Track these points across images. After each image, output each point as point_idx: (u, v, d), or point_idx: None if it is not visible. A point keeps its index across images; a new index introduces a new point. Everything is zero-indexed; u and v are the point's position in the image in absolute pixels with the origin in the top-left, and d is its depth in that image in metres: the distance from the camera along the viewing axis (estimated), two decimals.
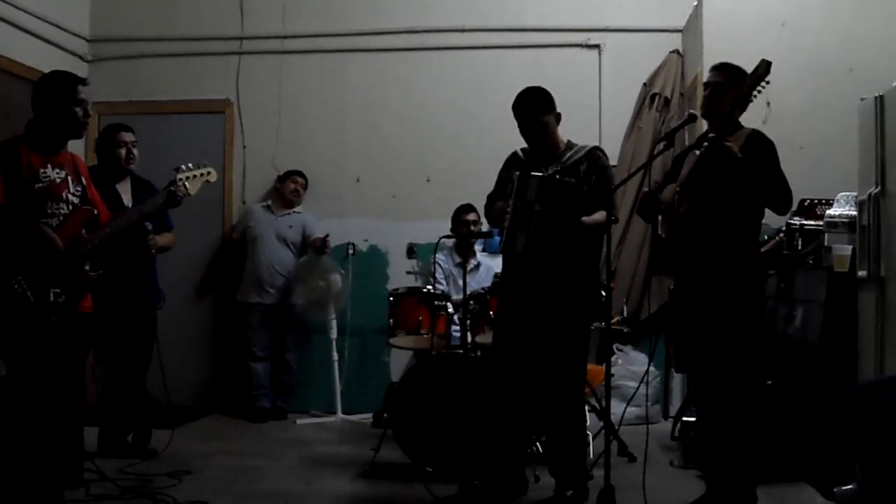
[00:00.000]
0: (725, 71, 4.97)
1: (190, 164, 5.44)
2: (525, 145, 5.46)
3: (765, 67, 4.67)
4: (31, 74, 7.26)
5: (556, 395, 5.27)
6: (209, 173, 5.52)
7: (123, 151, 6.38)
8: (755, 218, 4.93)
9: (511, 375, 5.29)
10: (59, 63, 7.62)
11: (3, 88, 7.26)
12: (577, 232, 5.08)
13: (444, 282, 7.46)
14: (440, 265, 7.49)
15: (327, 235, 8.06)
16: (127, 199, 6.31)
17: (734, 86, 4.85)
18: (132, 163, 6.44)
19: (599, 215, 5.09)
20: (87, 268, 4.78)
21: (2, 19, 7.35)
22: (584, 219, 5.08)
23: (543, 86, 5.39)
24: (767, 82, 4.72)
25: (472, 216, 7.44)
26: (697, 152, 4.89)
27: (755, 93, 4.79)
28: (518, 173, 5.17)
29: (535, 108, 5.29)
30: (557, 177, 5.08)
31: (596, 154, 5.33)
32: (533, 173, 5.08)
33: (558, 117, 5.37)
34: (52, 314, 4.61)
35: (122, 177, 6.42)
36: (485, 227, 7.28)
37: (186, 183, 5.38)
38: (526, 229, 5.06)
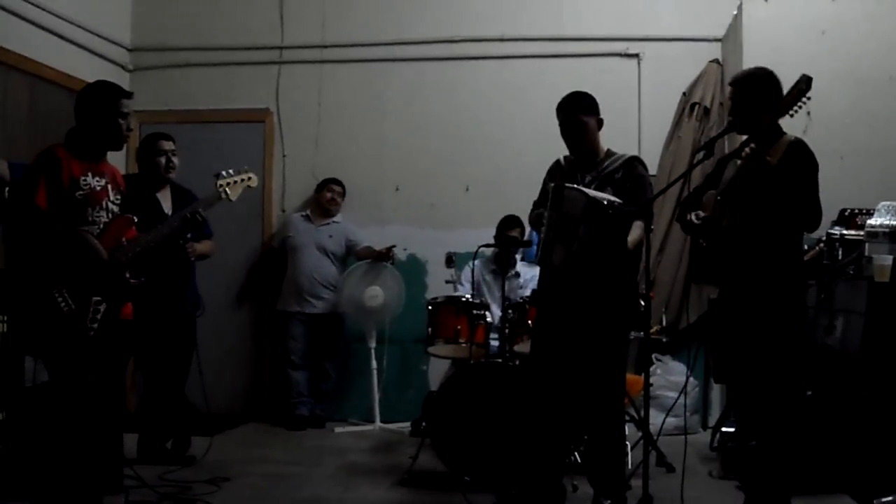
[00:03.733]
0: (739, 84, 4.92)
1: (230, 171, 5.48)
2: (567, 153, 5.46)
3: (806, 83, 4.54)
4: (73, 83, 7.34)
5: (595, 405, 5.25)
6: (249, 178, 5.56)
7: (163, 160, 6.44)
8: (797, 228, 4.90)
9: (549, 385, 5.28)
10: (100, 72, 7.68)
11: (44, 97, 7.34)
12: (621, 255, 5.05)
13: (466, 285, 7.35)
14: (469, 269, 7.37)
15: (394, 246, 8.08)
16: (167, 207, 6.37)
17: (758, 88, 4.82)
18: (172, 171, 6.49)
19: (638, 230, 5.08)
20: (127, 275, 4.82)
21: (44, 28, 7.43)
22: (630, 240, 5.05)
23: None
24: (808, 98, 4.60)
25: (515, 233, 7.30)
26: (738, 161, 4.85)
27: (796, 108, 4.68)
28: (552, 185, 5.15)
29: (575, 106, 5.30)
30: (605, 202, 4.98)
31: (633, 163, 5.30)
32: (567, 185, 5.06)
33: (600, 123, 5.35)
34: (93, 323, 4.65)
35: (162, 185, 6.48)
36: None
37: (227, 189, 5.42)
38: (564, 244, 5.01)
